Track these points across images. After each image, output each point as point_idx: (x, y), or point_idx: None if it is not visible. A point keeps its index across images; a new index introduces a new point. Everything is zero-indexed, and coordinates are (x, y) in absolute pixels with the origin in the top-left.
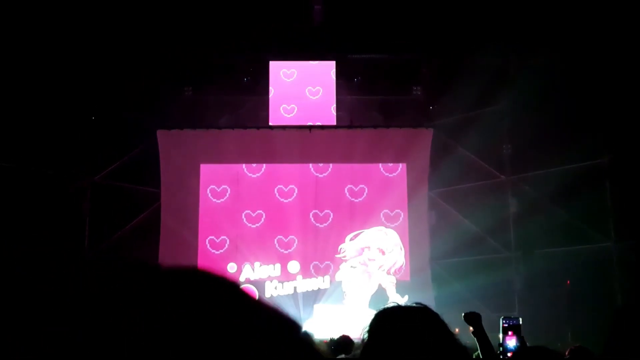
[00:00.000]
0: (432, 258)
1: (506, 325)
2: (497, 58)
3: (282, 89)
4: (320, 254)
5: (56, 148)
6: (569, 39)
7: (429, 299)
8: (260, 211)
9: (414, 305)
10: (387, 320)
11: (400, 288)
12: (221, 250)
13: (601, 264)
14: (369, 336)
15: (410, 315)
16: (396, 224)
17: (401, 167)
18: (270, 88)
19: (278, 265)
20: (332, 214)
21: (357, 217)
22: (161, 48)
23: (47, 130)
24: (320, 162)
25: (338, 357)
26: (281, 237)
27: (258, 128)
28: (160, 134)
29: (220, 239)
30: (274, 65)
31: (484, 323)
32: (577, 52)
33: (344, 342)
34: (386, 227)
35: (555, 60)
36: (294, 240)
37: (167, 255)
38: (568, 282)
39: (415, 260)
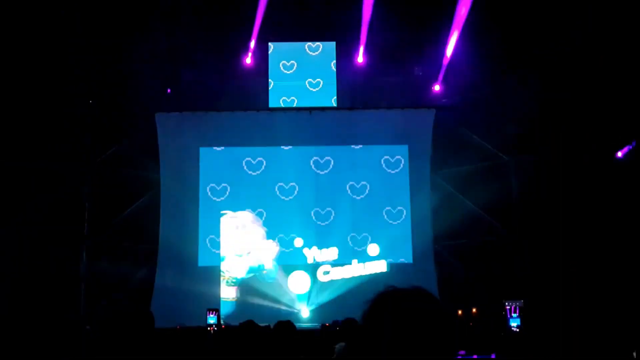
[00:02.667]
0: (435, 240)
1: (509, 307)
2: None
3: (282, 81)
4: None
5: (55, 132)
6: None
7: (431, 281)
8: (261, 210)
9: (411, 287)
10: (384, 304)
11: (403, 271)
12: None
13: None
14: (365, 320)
15: (407, 298)
16: (399, 218)
17: (403, 161)
18: (269, 80)
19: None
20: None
21: (359, 214)
22: (159, 30)
23: (46, 115)
24: (321, 145)
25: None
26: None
27: (258, 111)
28: (159, 117)
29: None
30: (273, 53)
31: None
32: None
33: (349, 325)
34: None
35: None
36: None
37: (168, 240)
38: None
39: (417, 243)
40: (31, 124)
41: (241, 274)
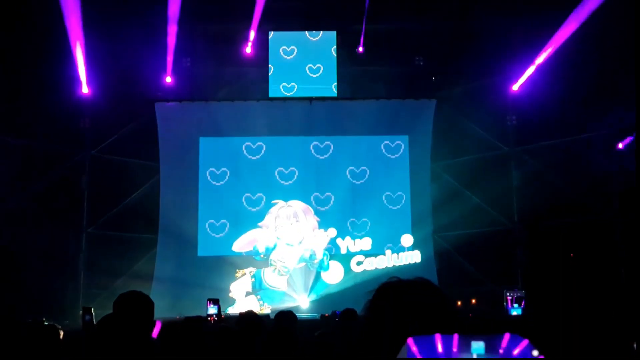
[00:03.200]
0: (435, 231)
1: (510, 297)
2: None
3: (282, 66)
4: None
5: (53, 121)
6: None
7: (431, 272)
8: (261, 194)
9: (415, 279)
10: (386, 296)
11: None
12: (222, 227)
13: (604, 236)
14: (369, 311)
15: (412, 289)
16: (399, 203)
17: (403, 147)
18: (269, 66)
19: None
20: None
21: (359, 198)
22: (159, 19)
23: (44, 104)
24: (321, 135)
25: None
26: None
27: (258, 100)
28: (159, 107)
29: (220, 221)
30: (273, 39)
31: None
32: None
33: (349, 314)
34: (389, 198)
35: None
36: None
37: (167, 229)
38: (571, 254)
39: (417, 233)
40: (29, 111)
41: (293, 264)
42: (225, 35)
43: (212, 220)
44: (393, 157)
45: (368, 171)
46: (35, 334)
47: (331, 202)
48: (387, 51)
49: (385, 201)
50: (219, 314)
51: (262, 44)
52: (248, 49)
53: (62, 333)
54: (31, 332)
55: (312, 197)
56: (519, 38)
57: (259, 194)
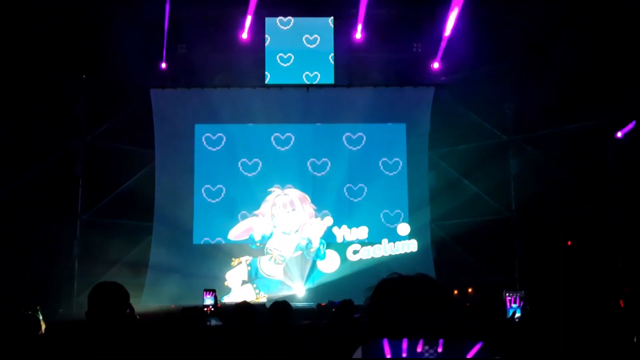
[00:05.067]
0: (432, 220)
1: (510, 298)
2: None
3: (279, 37)
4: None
5: (47, 108)
6: None
7: (428, 260)
8: (257, 160)
9: (415, 275)
10: (386, 292)
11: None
12: (217, 199)
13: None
14: (368, 307)
15: (412, 285)
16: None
17: (401, 164)
18: (266, 36)
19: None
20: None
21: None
22: (154, 3)
23: (38, 90)
24: (319, 122)
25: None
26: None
27: (254, 87)
28: (154, 93)
29: (216, 187)
30: (269, 24)
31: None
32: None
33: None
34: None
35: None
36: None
37: (162, 217)
38: (569, 242)
39: (414, 222)
40: (23, 99)
41: (289, 252)
42: (220, 20)
43: (208, 209)
44: (391, 173)
45: (366, 188)
46: (14, 326)
47: (327, 169)
48: (385, 37)
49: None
50: (215, 304)
51: (259, 31)
52: (244, 35)
53: (43, 326)
54: (9, 324)
55: (308, 162)
56: (516, 25)
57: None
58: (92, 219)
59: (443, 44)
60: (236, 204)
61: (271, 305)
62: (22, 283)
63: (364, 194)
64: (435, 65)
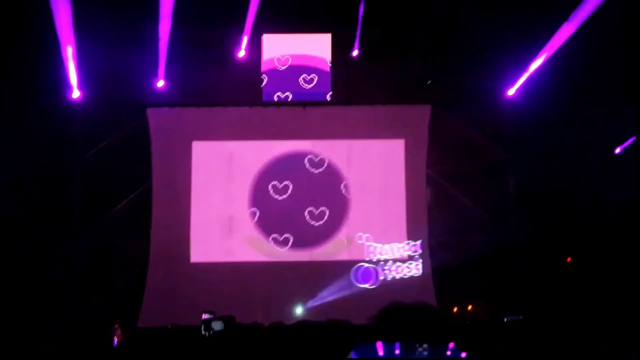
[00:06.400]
0: (430, 236)
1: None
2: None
3: (276, 76)
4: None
5: (43, 127)
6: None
7: (426, 277)
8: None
9: (416, 304)
10: (390, 319)
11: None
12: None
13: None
14: (374, 333)
15: (414, 314)
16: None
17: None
18: (263, 76)
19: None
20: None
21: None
22: (151, 23)
23: (34, 109)
24: (316, 138)
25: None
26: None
27: (251, 106)
28: (151, 112)
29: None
30: (267, 46)
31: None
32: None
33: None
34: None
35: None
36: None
37: (159, 235)
38: (569, 259)
39: (412, 238)
40: (16, 118)
41: None
42: (217, 39)
43: (205, 227)
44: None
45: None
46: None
47: (325, 217)
48: (383, 55)
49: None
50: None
51: (255, 48)
52: (241, 53)
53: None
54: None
55: (306, 212)
56: (514, 43)
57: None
58: (89, 239)
59: (439, 62)
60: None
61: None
62: (19, 308)
63: None
64: (432, 82)
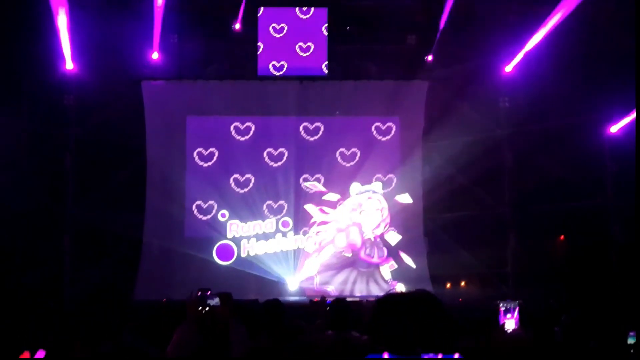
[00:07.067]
0: (425, 213)
1: (503, 308)
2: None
3: (272, 44)
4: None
5: (37, 99)
6: None
7: (421, 254)
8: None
9: (415, 292)
10: (389, 307)
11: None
12: (209, 213)
13: (597, 219)
14: (371, 323)
15: (412, 303)
16: (389, 187)
17: (394, 129)
18: (258, 44)
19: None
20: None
21: (348, 177)
22: None
23: (27, 81)
24: (311, 115)
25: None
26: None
27: (247, 80)
28: (145, 85)
29: (208, 203)
30: (263, 16)
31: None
32: None
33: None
34: (381, 182)
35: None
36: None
37: (154, 210)
38: (562, 236)
39: (408, 214)
40: (9, 90)
41: None
42: (213, 10)
43: (199, 202)
44: (384, 139)
45: (359, 152)
46: None
47: (321, 183)
48: (379, 30)
49: (374, 181)
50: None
51: (252, 20)
52: (237, 26)
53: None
54: None
55: (301, 179)
56: (512, 19)
57: (247, 175)
58: (82, 213)
59: (438, 37)
60: None
61: (263, 305)
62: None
63: None
64: (429, 58)
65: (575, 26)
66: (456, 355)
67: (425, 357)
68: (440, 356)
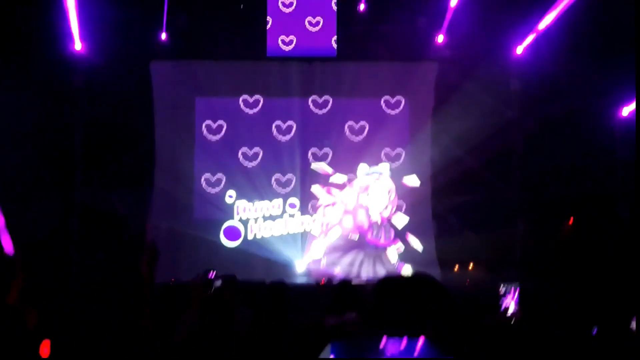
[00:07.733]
0: (434, 195)
1: (504, 289)
2: None
3: (281, 19)
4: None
5: (45, 79)
6: None
7: (429, 237)
8: (258, 149)
9: (417, 274)
10: (389, 290)
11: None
12: (217, 188)
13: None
14: (371, 306)
15: (412, 286)
16: (397, 162)
17: (403, 102)
18: (267, 18)
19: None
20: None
21: (356, 151)
22: None
23: (35, 61)
24: (320, 95)
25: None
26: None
27: (256, 60)
28: (154, 66)
29: (216, 177)
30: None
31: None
32: None
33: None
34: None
35: None
36: (292, 179)
37: (162, 192)
38: (571, 219)
39: (415, 199)
40: (17, 70)
41: None
42: None
43: (207, 175)
44: (393, 112)
45: (367, 126)
46: None
47: (328, 159)
48: (389, 10)
49: (384, 157)
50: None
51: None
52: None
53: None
54: None
55: (309, 153)
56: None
57: (255, 149)
58: (90, 194)
59: (449, 16)
60: None
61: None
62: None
63: None
64: (440, 39)
65: (588, 6)
66: (421, 339)
67: (391, 339)
68: (404, 339)
